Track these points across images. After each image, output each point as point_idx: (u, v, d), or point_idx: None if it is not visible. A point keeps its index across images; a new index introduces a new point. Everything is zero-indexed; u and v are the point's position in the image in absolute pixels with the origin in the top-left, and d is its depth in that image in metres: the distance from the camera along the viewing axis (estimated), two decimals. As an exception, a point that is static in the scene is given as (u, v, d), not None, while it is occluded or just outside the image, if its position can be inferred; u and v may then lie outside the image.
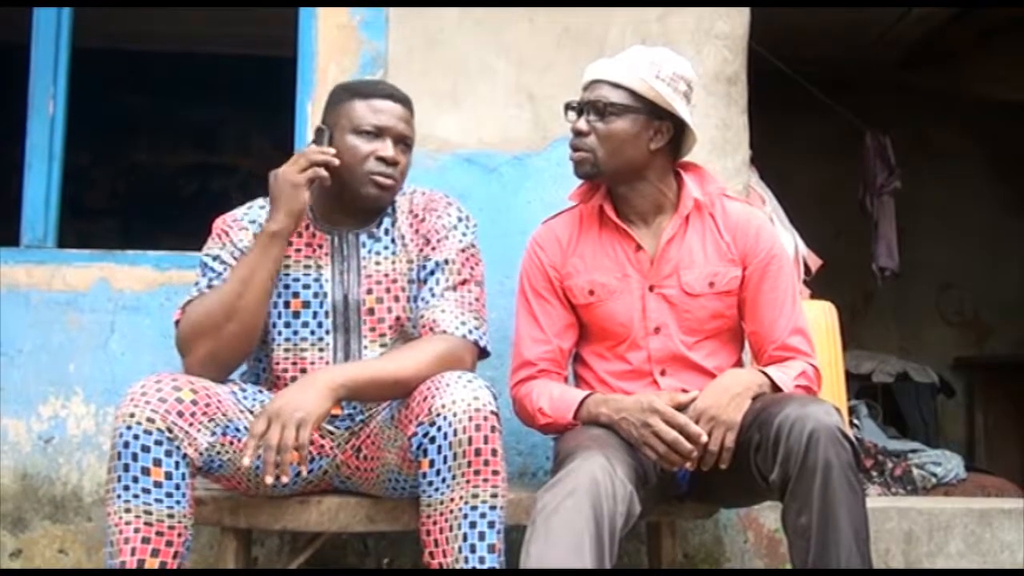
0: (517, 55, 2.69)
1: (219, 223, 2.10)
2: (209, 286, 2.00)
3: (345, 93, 2.08)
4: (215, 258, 2.03)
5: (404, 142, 2.06)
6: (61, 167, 2.71)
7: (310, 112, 2.65)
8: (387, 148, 2.02)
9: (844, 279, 4.71)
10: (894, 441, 4.09)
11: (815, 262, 3.43)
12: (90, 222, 5.30)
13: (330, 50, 2.67)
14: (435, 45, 2.69)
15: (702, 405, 1.91)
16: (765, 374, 2.01)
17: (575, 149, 2.10)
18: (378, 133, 2.02)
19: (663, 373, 2.12)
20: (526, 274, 2.21)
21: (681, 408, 1.92)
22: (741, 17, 2.74)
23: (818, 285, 3.43)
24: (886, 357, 5.10)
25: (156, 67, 5.23)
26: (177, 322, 1.98)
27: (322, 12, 2.69)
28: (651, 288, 2.12)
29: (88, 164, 5.44)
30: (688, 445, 1.87)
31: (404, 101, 2.08)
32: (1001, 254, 5.86)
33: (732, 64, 2.72)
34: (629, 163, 2.08)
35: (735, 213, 2.16)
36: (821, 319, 3.04)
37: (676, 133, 2.10)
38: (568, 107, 2.12)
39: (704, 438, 1.87)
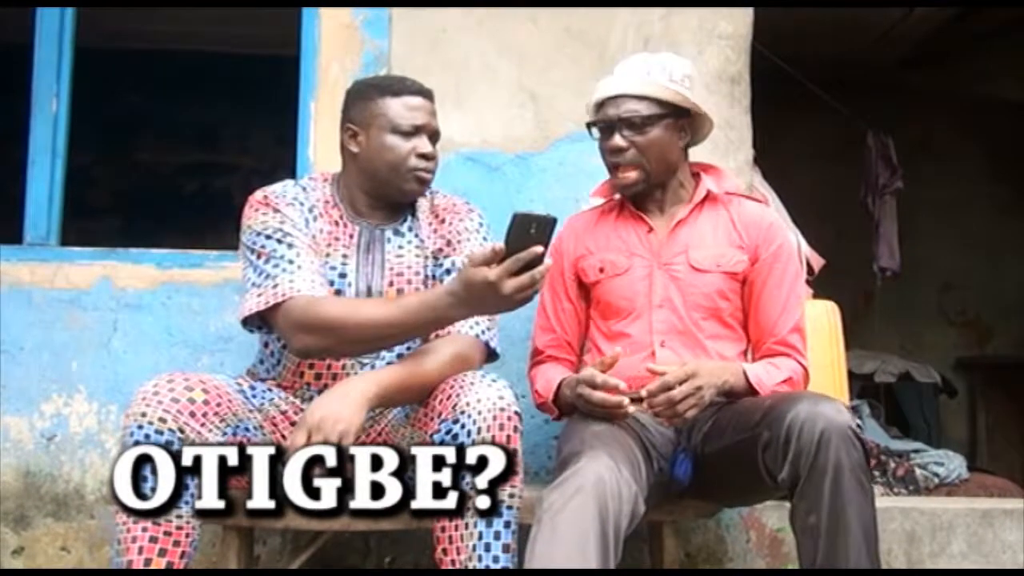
0: (519, 55, 2.70)
1: (261, 198, 2.04)
2: (291, 260, 1.94)
3: (374, 91, 2.08)
4: (278, 230, 1.98)
5: (436, 135, 2.10)
6: (64, 165, 2.72)
7: (312, 111, 2.65)
8: (425, 144, 2.05)
9: (846, 279, 4.70)
10: (896, 441, 4.08)
11: (817, 262, 3.43)
12: (93, 220, 5.28)
13: (333, 49, 2.67)
14: (437, 45, 2.69)
15: (694, 365, 1.95)
16: (745, 374, 2.04)
17: (618, 168, 2.14)
18: (416, 131, 2.04)
19: (662, 344, 2.14)
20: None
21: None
22: (744, 17, 2.74)
23: (820, 285, 3.42)
24: (888, 357, 5.09)
25: (158, 66, 5.22)
26: (288, 299, 1.90)
27: (325, 12, 2.69)
28: (660, 266, 2.17)
29: (91, 163, 5.43)
30: (613, 399, 1.92)
31: (431, 95, 2.12)
32: (1002, 254, 5.84)
33: (735, 64, 2.72)
34: (670, 166, 2.19)
35: (750, 211, 2.24)
36: (824, 319, 3.03)
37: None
38: (592, 125, 2.17)
39: (623, 385, 1.92)
